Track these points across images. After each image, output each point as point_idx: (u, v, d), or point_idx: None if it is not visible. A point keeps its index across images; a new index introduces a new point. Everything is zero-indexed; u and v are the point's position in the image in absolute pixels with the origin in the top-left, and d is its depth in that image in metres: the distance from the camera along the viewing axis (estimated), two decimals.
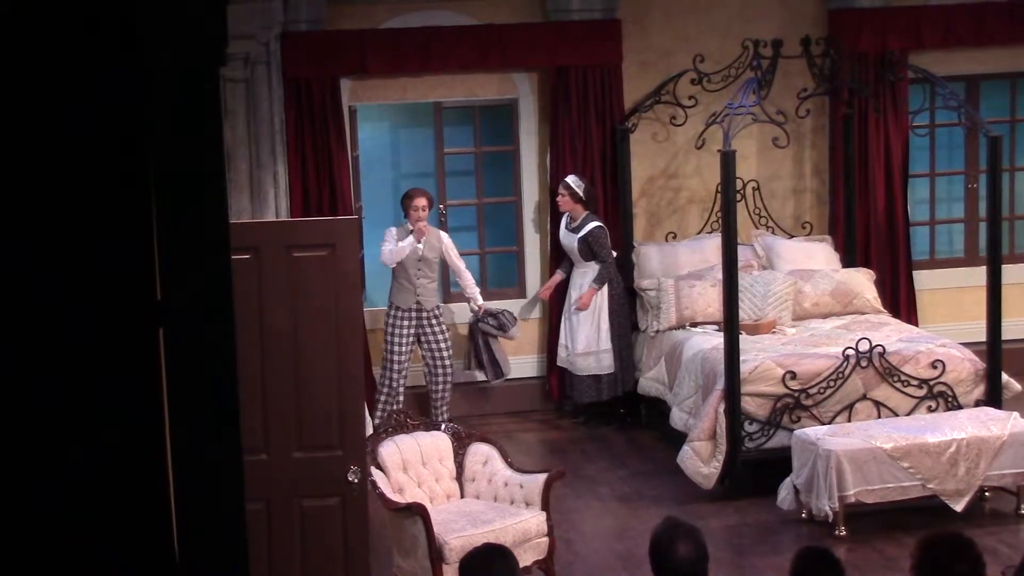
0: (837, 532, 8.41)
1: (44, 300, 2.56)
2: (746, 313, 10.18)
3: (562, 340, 10.97)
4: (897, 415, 9.13)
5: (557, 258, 11.16)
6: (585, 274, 10.83)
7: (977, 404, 9.33)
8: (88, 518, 2.60)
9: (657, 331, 10.63)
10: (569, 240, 10.85)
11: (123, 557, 2.62)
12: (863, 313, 10.68)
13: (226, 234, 2.62)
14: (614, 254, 10.85)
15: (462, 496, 7.86)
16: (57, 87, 2.54)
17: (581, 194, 10.75)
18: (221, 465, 2.63)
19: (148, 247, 2.59)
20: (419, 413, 9.73)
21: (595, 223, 10.74)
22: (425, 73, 11.07)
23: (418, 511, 7.22)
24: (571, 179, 10.83)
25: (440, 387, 10.57)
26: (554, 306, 11.19)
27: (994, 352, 9.48)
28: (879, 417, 9.11)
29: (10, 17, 2.50)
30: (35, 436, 2.57)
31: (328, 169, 10.80)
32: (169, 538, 2.63)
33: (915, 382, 9.26)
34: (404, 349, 10.48)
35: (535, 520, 7.55)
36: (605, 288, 10.79)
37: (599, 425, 10.95)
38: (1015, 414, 8.87)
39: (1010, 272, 10.74)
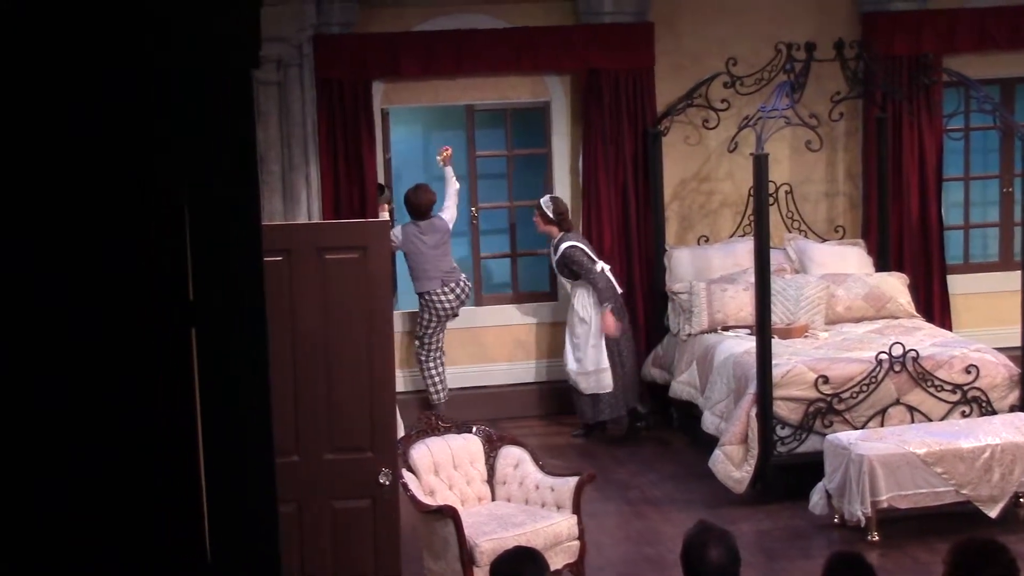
0: (870, 537, 8.36)
1: (79, 301, 2.57)
2: (778, 317, 10.14)
3: (567, 356, 10.74)
4: (930, 420, 9.07)
5: None
6: (578, 293, 10.56)
7: (1012, 410, 9.26)
8: (121, 517, 2.61)
9: (689, 335, 10.59)
10: (552, 263, 10.78)
11: (156, 557, 2.63)
12: (896, 317, 10.62)
13: (258, 236, 2.63)
14: (600, 267, 10.50)
15: (493, 499, 7.85)
16: (93, 90, 2.56)
17: (551, 215, 10.55)
18: (253, 466, 2.64)
19: (181, 249, 2.60)
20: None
21: (567, 244, 10.47)
22: (457, 76, 11.08)
23: (449, 513, 7.22)
24: (543, 199, 10.68)
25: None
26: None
27: None
28: (912, 422, 9.06)
29: (45, 22, 2.51)
30: (69, 435, 2.58)
31: (359, 171, 10.81)
32: (201, 538, 2.64)
33: (949, 387, 9.20)
34: None
35: (566, 523, 7.55)
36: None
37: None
38: None
39: None
